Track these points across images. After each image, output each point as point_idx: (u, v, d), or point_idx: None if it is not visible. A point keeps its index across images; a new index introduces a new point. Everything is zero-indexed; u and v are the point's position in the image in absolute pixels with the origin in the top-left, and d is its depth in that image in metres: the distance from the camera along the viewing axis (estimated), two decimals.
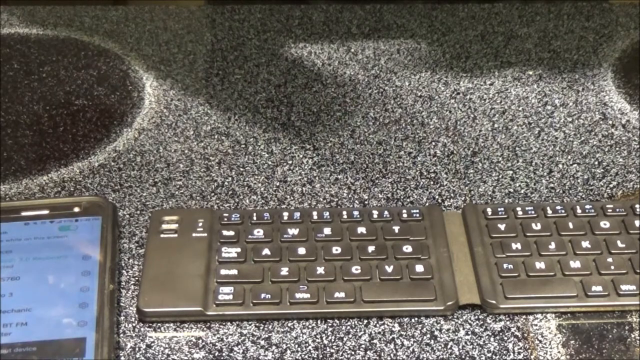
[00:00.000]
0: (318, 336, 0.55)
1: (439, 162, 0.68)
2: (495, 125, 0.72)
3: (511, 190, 0.65)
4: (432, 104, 0.74)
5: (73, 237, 0.58)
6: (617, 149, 0.69)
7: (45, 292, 0.54)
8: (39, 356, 0.51)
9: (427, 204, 0.64)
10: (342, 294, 0.56)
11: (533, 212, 0.61)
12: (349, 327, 0.55)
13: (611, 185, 0.66)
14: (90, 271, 0.56)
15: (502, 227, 0.60)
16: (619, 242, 0.59)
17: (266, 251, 0.58)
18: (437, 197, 0.65)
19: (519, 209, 0.61)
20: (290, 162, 0.68)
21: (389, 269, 0.57)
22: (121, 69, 0.77)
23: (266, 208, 0.64)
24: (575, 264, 0.58)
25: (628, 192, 0.65)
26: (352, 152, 0.69)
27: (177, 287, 0.56)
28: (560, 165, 0.68)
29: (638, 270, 0.57)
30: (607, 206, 0.61)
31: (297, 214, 0.61)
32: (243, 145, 0.69)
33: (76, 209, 0.60)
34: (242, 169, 0.67)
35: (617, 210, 0.61)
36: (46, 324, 0.52)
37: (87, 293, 0.54)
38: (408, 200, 0.65)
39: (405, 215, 0.61)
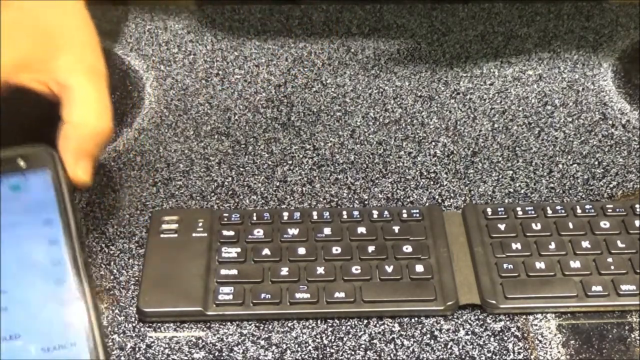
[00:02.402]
0: (318, 336, 0.55)
1: (439, 162, 0.68)
2: (495, 125, 0.72)
3: (511, 190, 0.65)
4: (432, 104, 0.74)
5: (27, 198, 0.52)
6: (617, 149, 0.69)
7: (16, 269, 0.50)
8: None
9: (427, 204, 0.64)
10: (342, 294, 0.56)
11: (533, 212, 0.61)
12: (349, 327, 0.55)
13: (611, 185, 0.66)
14: (57, 240, 0.51)
15: (502, 227, 0.60)
16: (619, 242, 0.59)
17: (266, 251, 0.58)
18: (437, 197, 0.65)
19: (519, 209, 0.61)
20: (290, 162, 0.68)
21: (389, 269, 0.57)
22: (121, 69, 0.77)
23: (266, 208, 0.64)
24: (575, 264, 0.58)
25: (628, 192, 0.65)
26: (352, 152, 0.69)
27: (177, 287, 0.56)
28: (560, 165, 0.68)
29: (638, 270, 0.57)
30: (607, 206, 0.61)
31: (297, 214, 0.61)
32: (243, 145, 0.69)
33: (21, 162, 0.53)
34: (242, 169, 0.67)
35: (617, 210, 0.61)
36: (26, 307, 0.49)
37: (60, 267, 0.50)
38: (408, 200, 0.65)
39: (405, 215, 0.61)
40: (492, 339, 0.55)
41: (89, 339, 0.48)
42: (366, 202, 0.64)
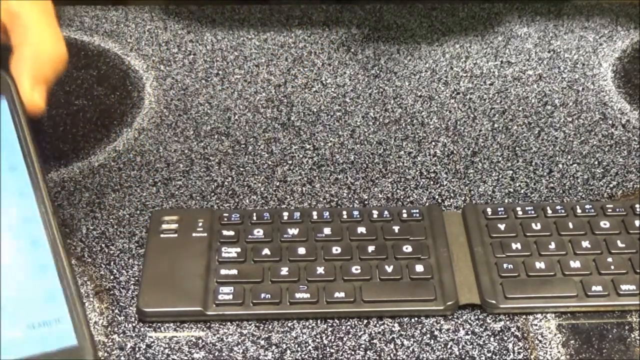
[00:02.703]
0: (318, 336, 0.55)
1: (439, 162, 0.68)
2: (495, 125, 0.72)
3: (511, 190, 0.65)
4: (432, 104, 0.74)
5: None
6: (617, 149, 0.69)
7: None
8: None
9: (427, 204, 0.64)
10: (342, 294, 0.56)
11: (533, 212, 0.61)
12: (349, 327, 0.55)
13: (611, 185, 0.66)
14: (25, 190, 0.46)
15: (502, 227, 0.60)
16: (619, 242, 0.59)
17: (266, 251, 0.58)
18: (437, 197, 0.65)
19: (519, 209, 0.61)
20: (290, 162, 0.68)
21: (389, 268, 0.57)
22: (121, 69, 0.77)
23: (266, 208, 0.64)
24: (575, 263, 0.58)
25: (628, 192, 0.65)
26: (352, 152, 0.69)
27: (177, 287, 0.56)
28: (560, 165, 0.68)
29: (638, 270, 0.57)
30: (607, 206, 0.61)
31: (297, 214, 0.61)
32: (243, 145, 0.69)
33: None
34: (242, 169, 0.67)
35: (617, 210, 0.61)
36: (5, 275, 0.46)
37: (34, 225, 0.46)
38: (408, 200, 0.65)
39: (405, 215, 0.61)
40: (492, 339, 0.55)
41: (72, 313, 0.47)
42: (366, 202, 0.64)
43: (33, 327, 0.46)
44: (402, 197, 0.65)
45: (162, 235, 0.60)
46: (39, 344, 0.46)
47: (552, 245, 0.59)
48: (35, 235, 0.47)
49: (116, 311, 0.56)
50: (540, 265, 0.57)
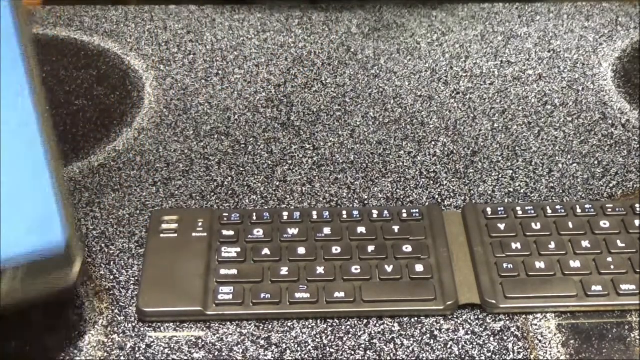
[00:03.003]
0: (318, 336, 0.55)
1: (439, 162, 0.68)
2: (495, 125, 0.72)
3: (511, 190, 0.65)
4: (432, 104, 0.74)
5: None
6: (617, 148, 0.69)
7: None
8: None
9: (427, 204, 0.64)
10: (342, 294, 0.56)
11: (533, 211, 0.61)
12: (348, 327, 0.55)
13: (611, 185, 0.66)
14: (22, 92, 0.45)
15: (502, 226, 0.60)
16: (618, 242, 0.59)
17: (266, 251, 0.58)
18: (437, 197, 0.65)
19: (518, 208, 0.61)
20: (290, 162, 0.68)
21: (389, 268, 0.57)
22: (121, 69, 0.77)
23: (266, 208, 0.64)
24: (575, 263, 0.58)
25: (628, 192, 0.65)
26: (352, 152, 0.69)
27: (177, 287, 0.56)
28: (560, 165, 0.68)
29: (638, 270, 0.57)
30: (607, 206, 0.61)
31: (297, 214, 0.61)
32: (243, 145, 0.69)
33: None
34: (242, 169, 0.67)
35: (617, 210, 0.61)
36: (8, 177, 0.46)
37: (30, 126, 0.46)
38: (408, 200, 0.65)
39: (405, 215, 0.61)
40: (492, 338, 0.55)
41: (63, 217, 0.47)
42: (366, 202, 0.64)
43: (30, 229, 0.47)
44: (402, 197, 0.65)
45: (162, 235, 0.60)
46: (32, 245, 0.47)
47: (552, 245, 0.59)
48: (31, 137, 0.46)
49: (116, 311, 0.56)
50: (540, 265, 0.57)
